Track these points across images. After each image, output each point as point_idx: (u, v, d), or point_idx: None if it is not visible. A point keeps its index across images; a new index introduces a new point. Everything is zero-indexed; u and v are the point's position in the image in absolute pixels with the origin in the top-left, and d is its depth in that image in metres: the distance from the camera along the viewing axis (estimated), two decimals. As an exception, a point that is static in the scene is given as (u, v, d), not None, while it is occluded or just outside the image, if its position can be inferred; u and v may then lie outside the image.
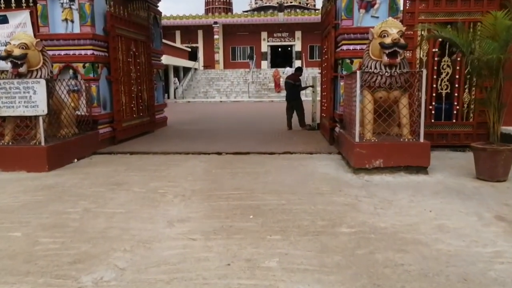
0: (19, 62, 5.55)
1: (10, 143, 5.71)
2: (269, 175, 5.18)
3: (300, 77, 10.39)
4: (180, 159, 6.28)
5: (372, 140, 5.22)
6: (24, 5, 7.04)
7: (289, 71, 27.53)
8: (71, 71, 7.04)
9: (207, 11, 39.84)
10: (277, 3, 36.52)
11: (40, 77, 5.71)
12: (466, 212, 3.62)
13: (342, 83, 6.76)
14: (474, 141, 5.97)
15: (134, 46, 8.51)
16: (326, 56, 8.12)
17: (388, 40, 5.05)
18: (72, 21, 6.91)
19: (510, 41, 4.69)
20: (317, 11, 36.46)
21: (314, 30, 33.45)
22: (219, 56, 36.19)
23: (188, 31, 36.75)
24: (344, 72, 6.60)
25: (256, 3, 41.49)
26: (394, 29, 5.11)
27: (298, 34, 36.50)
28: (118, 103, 7.70)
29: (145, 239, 3.09)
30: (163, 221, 3.49)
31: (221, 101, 26.61)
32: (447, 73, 6.50)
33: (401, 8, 6.57)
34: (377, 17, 6.45)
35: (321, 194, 4.29)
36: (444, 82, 6.53)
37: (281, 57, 37.04)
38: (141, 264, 2.67)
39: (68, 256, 2.79)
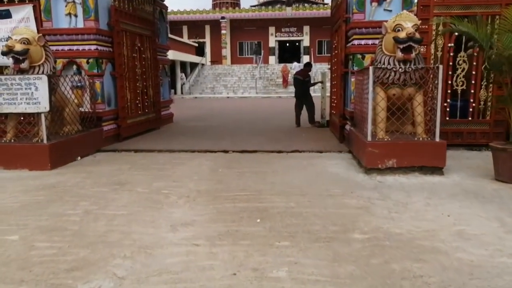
0: (20, 58, 5.41)
1: (12, 140, 5.60)
2: (277, 175, 4.99)
3: (309, 73, 10.16)
4: (186, 158, 6.12)
5: (385, 139, 5.00)
6: (27, -1, 6.92)
7: (296, 66, 27.24)
8: (74, 67, 6.90)
9: (214, 6, 39.55)
10: (285, -3, 36.15)
11: (42, 73, 5.58)
12: (486, 217, 3.41)
13: (353, 79, 6.54)
14: (490, 140, 5.74)
15: (139, 41, 8.35)
16: (336, 51, 7.88)
17: (402, 35, 4.82)
18: (76, 16, 6.76)
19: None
20: (326, 6, 36.02)
21: (322, 25, 33.10)
22: (226, 52, 35.93)
23: (195, 26, 36.53)
24: (355, 68, 6.38)
25: (264, -2, 41.12)
26: (408, 22, 4.88)
27: (306, 29, 36.09)
28: (122, 99, 7.55)
29: (147, 245, 2.93)
30: (166, 225, 3.33)
31: (228, 97, 26.41)
32: (463, 68, 6.25)
33: (415, 1, 6.31)
34: (390, 11, 6.21)
35: (331, 196, 4.09)
36: (460, 78, 6.27)
37: (289, 52, 36.67)
38: (141, 273, 2.51)
39: (65, 262, 2.64)
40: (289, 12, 34.11)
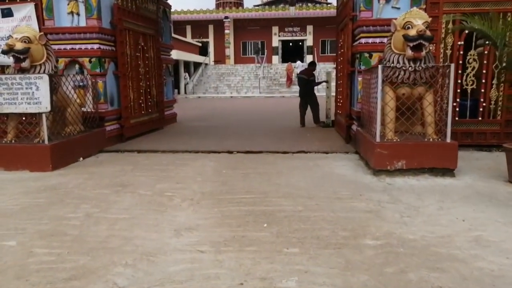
0: (21, 57, 5.30)
1: (13, 141, 5.49)
2: (283, 176, 4.86)
3: (314, 72, 10.02)
4: (189, 158, 6.00)
5: (394, 140, 4.86)
6: (29, -3, 6.81)
7: (300, 65, 27.07)
8: (77, 66, 6.80)
9: (218, 5, 39.42)
10: (289, -3, 35.95)
11: (44, 72, 5.47)
12: (503, 222, 3.26)
13: (360, 79, 6.39)
14: (501, 141, 5.60)
15: (142, 40, 8.23)
16: (342, 50, 7.74)
17: (412, 32, 4.67)
18: (78, 14, 6.65)
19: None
20: (329, 5, 35.84)
21: (326, 24, 32.94)
22: (229, 51, 35.81)
23: (199, 26, 36.42)
24: (362, 67, 6.23)
25: (267, -3, 40.94)
26: (419, 20, 4.73)
27: (309, 28, 35.88)
28: (125, 99, 7.44)
29: (149, 251, 2.80)
30: (169, 229, 3.21)
31: (231, 97, 26.28)
32: (473, 67, 6.09)
33: (424, -2, 6.16)
34: (398, 8, 6.06)
35: (340, 199, 3.96)
36: (470, 77, 6.12)
37: (292, 52, 36.50)
38: (143, 282, 2.38)
39: (64, 271, 2.52)
40: (292, 11, 33.92)
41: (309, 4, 36.28)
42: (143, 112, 8.30)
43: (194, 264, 2.61)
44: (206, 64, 33.10)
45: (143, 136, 8.04)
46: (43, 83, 5.20)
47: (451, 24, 5.95)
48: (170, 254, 2.76)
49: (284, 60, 34.99)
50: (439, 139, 4.81)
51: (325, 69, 26.18)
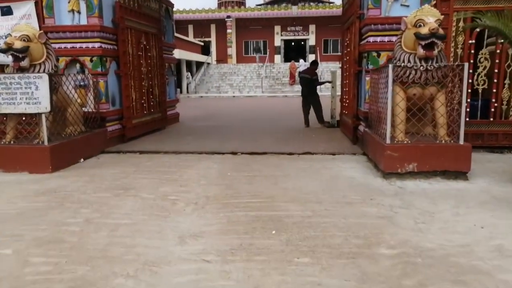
0: (20, 56, 5.16)
1: (12, 142, 5.35)
2: (290, 179, 4.71)
3: (316, 71, 9.85)
4: (193, 160, 5.85)
5: (405, 142, 4.69)
6: (29, -5, 6.67)
7: (302, 64, 26.90)
8: (78, 65, 6.65)
9: (220, 5, 39.30)
10: (291, -4, 35.76)
11: (43, 71, 5.33)
12: (525, 230, 3.10)
13: (367, 78, 6.22)
14: (514, 142, 5.42)
15: (144, 39, 8.08)
16: (348, 49, 7.56)
17: (424, 30, 4.50)
18: (79, 12, 6.50)
19: None
20: (331, 4, 35.67)
21: (328, 23, 32.77)
22: (232, 51, 35.67)
23: (201, 25, 36.28)
24: (370, 66, 6.07)
25: (269, -4, 40.77)
26: (431, 17, 4.56)
27: (312, 28, 35.69)
28: (127, 99, 7.29)
29: (152, 260, 2.65)
30: (173, 236, 3.06)
31: (234, 96, 26.13)
32: (485, 66, 5.92)
33: (435, -5, 5.99)
34: (407, 6, 5.89)
35: (350, 203, 3.80)
36: (481, 76, 5.94)
37: (294, 51, 36.31)
38: (146, 295, 2.24)
39: (61, 282, 2.37)
40: (294, 11, 33.74)
41: (311, 4, 36.13)
42: (145, 112, 8.15)
43: (200, 275, 2.46)
44: (208, 64, 32.96)
45: (145, 137, 7.89)
46: (42, 83, 5.05)
47: (462, 22, 5.78)
48: (174, 264, 2.61)
49: (287, 59, 34.85)
50: (452, 141, 4.65)
51: (328, 69, 26.03)
